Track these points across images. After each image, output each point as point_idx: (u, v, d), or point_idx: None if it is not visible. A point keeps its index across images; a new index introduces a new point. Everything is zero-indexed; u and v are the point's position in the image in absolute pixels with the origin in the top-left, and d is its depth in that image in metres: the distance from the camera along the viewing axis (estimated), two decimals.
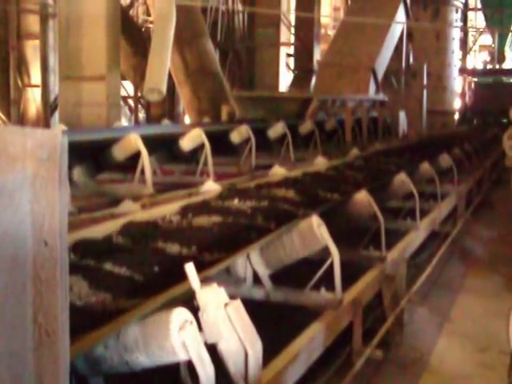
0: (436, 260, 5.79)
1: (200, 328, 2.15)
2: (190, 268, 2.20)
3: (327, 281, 3.48)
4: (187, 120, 16.07)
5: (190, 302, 2.24)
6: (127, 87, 18.71)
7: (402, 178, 5.34)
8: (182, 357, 2.04)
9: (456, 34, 17.82)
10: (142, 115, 18.50)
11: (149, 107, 17.38)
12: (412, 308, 4.81)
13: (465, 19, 19.05)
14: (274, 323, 3.35)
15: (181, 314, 2.05)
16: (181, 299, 2.30)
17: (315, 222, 3.28)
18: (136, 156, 5.65)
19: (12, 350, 1.35)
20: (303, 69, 18.66)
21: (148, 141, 5.78)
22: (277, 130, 8.39)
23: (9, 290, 1.32)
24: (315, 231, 3.28)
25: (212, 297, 2.23)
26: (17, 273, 1.33)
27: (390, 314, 4.22)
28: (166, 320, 2.02)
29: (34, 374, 1.38)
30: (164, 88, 8.06)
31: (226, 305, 2.25)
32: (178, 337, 2.02)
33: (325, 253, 3.48)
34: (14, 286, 1.33)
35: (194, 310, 2.22)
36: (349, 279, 3.73)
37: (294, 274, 3.66)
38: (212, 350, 2.20)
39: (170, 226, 3.46)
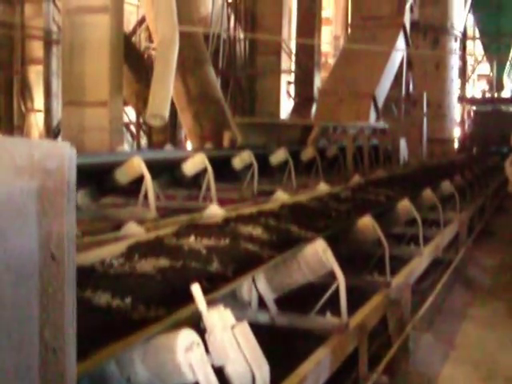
0: (440, 287, 5.76)
1: (207, 350, 2.11)
2: (196, 289, 2.16)
3: (332, 305, 3.45)
4: (189, 146, 16.10)
5: (194, 324, 2.21)
6: (129, 113, 18.78)
7: (405, 204, 5.31)
8: (188, 379, 1.99)
9: (455, 62, 17.95)
10: (143, 141, 18.54)
11: (150, 133, 17.43)
12: (417, 334, 4.76)
13: (463, 48, 19.20)
14: (279, 347, 3.30)
15: (188, 335, 2.01)
16: (186, 321, 2.26)
17: (320, 246, 3.25)
18: (139, 180, 5.64)
19: (18, 366, 1.31)
20: (304, 96, 18.76)
21: (151, 165, 5.77)
22: (279, 156, 8.39)
23: (15, 305, 1.29)
24: (321, 255, 3.25)
25: (219, 319, 2.19)
26: (23, 287, 1.30)
27: (396, 339, 4.17)
28: (173, 341, 1.98)
29: None
30: (167, 114, 8.07)
31: (232, 327, 2.22)
32: (184, 358, 1.98)
33: (329, 277, 3.45)
34: (20, 301, 1.30)
35: (200, 332, 2.18)
36: (353, 304, 3.69)
37: (297, 298, 3.62)
38: (219, 372, 2.16)
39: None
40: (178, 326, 2.15)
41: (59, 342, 1.34)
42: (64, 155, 1.27)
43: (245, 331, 2.25)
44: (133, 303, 2.47)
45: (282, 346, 3.41)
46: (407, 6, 15.16)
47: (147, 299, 2.50)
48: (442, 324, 5.40)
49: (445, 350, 4.92)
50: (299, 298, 3.62)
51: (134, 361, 2.05)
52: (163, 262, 3.04)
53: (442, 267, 6.41)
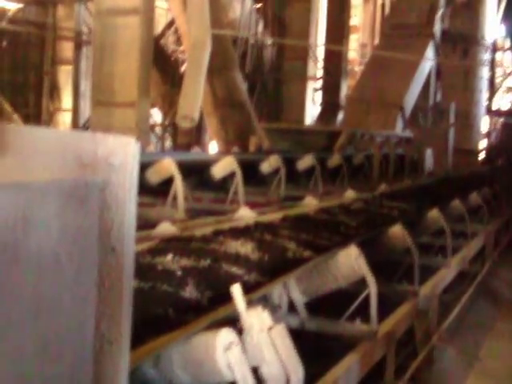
0: (465, 299, 5.74)
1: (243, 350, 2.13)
2: (236, 290, 2.19)
3: (359, 312, 3.45)
4: (212, 149, 16.15)
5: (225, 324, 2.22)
6: (155, 115, 18.90)
7: (435, 215, 5.30)
8: (226, 378, 2.02)
9: (484, 73, 17.83)
10: (167, 143, 18.65)
11: (176, 135, 17.52)
12: (441, 345, 4.74)
13: (492, 59, 19.04)
14: (307, 352, 3.31)
15: (227, 335, 2.04)
16: (222, 321, 2.28)
17: (354, 252, 3.26)
18: (168, 181, 5.68)
19: (74, 356, 1.34)
20: (330, 103, 18.74)
21: (180, 166, 5.80)
22: (306, 162, 8.40)
23: (74, 296, 1.32)
24: (353, 262, 3.26)
25: (256, 320, 2.21)
26: (83, 278, 1.33)
27: (422, 349, 4.16)
28: (213, 340, 2.01)
29: (94, 380, 1.37)
30: (197, 115, 8.13)
31: (269, 328, 2.24)
32: (223, 357, 2.00)
33: (357, 283, 3.46)
34: (80, 292, 1.33)
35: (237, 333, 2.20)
36: (379, 312, 3.68)
37: (324, 304, 3.63)
38: (253, 373, 2.17)
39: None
40: (215, 325, 2.18)
41: (115, 334, 1.37)
42: (128, 151, 1.30)
43: (281, 333, 2.27)
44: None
45: (310, 351, 3.42)
46: (438, 16, 15.11)
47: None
48: (466, 336, 5.37)
49: (468, 361, 4.90)
50: (326, 303, 3.64)
51: (173, 359, 2.08)
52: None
53: (466, 279, 6.38)
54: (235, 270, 2.89)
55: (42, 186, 1.22)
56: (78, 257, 1.31)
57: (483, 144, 21.00)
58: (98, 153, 1.31)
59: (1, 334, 1.16)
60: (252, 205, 6.46)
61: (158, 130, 19.08)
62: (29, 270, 1.20)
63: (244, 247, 3.28)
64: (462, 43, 16.83)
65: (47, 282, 1.25)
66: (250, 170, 7.36)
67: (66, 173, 1.30)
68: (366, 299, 3.38)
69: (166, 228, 3.53)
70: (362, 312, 3.45)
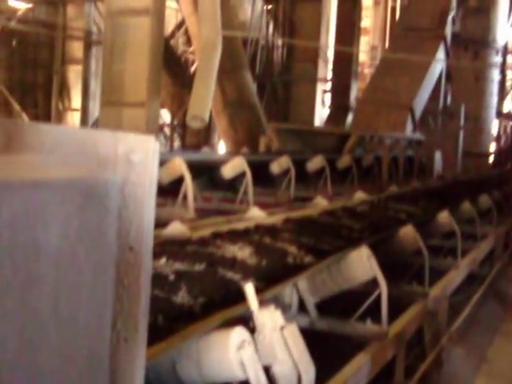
0: (474, 301, 5.73)
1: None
2: (249, 289, 2.20)
3: (368, 313, 3.46)
4: (221, 149, 16.20)
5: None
6: (163, 115, 18.95)
7: (445, 216, 5.30)
8: (239, 376, 2.03)
9: (495, 76, 17.77)
10: (176, 143, 18.70)
11: (184, 135, 17.56)
12: (450, 347, 4.74)
13: (503, 62, 18.98)
14: (317, 351, 3.32)
15: (240, 333, 2.05)
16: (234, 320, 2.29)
17: (365, 253, 3.27)
18: (177, 180, 5.69)
19: (90, 353, 1.35)
20: (339, 105, 18.73)
21: (189, 166, 5.82)
22: (316, 162, 8.41)
23: (92, 294, 1.33)
24: (365, 262, 3.26)
25: (269, 319, 2.23)
26: (100, 277, 1.34)
27: (431, 350, 4.16)
28: (226, 338, 2.02)
29: (109, 377, 1.38)
30: (207, 116, 8.15)
31: (282, 328, 2.25)
32: (236, 356, 2.01)
33: (366, 284, 3.46)
34: (97, 290, 1.34)
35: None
36: (389, 313, 3.69)
37: (332, 304, 3.63)
38: (265, 371, 2.18)
39: None
40: (226, 324, 2.19)
41: (131, 332, 1.38)
42: (148, 149, 1.30)
43: (294, 332, 2.28)
44: None
45: (320, 350, 3.43)
46: (449, 18, 15.08)
47: None
48: (474, 337, 5.37)
49: (477, 363, 4.89)
50: (334, 303, 3.64)
51: (185, 357, 2.09)
52: None
53: (475, 281, 6.37)
54: (231, 275, 2.74)
55: (61, 184, 1.23)
56: (96, 255, 1.32)
57: (493, 147, 20.94)
58: (118, 151, 1.31)
59: (20, 331, 1.18)
60: (261, 205, 6.46)
61: (166, 130, 19.13)
62: (48, 269, 1.21)
63: (242, 251, 3.14)
64: (472, 46, 16.79)
65: (66, 280, 1.26)
66: (259, 171, 7.38)
67: (85, 171, 1.31)
68: (376, 300, 3.38)
69: (176, 227, 3.54)
70: (371, 313, 3.46)
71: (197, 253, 3.01)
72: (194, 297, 2.40)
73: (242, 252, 3.13)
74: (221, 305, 2.34)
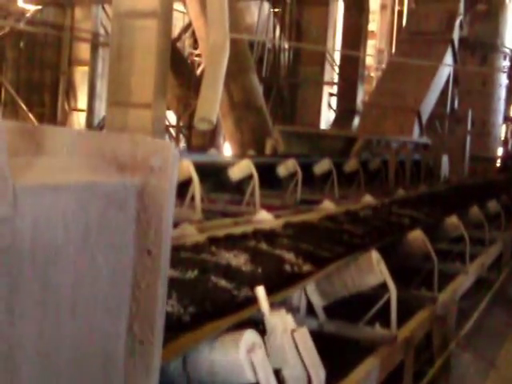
0: (483, 306, 5.72)
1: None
2: (260, 291, 2.20)
3: (376, 317, 3.45)
4: (226, 151, 16.20)
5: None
6: (169, 117, 18.98)
7: (453, 221, 5.29)
8: (249, 379, 2.03)
9: (503, 81, 17.74)
10: (181, 144, 18.73)
11: (190, 137, 17.59)
12: (457, 352, 4.73)
13: (511, 67, 18.93)
14: (326, 355, 3.32)
15: (251, 336, 2.05)
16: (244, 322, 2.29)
17: (374, 256, 3.27)
18: (184, 182, 5.69)
19: (106, 356, 1.36)
20: (346, 109, 18.73)
21: (197, 168, 5.82)
22: (322, 166, 8.41)
23: (109, 297, 1.34)
24: (374, 266, 3.26)
25: (280, 322, 2.23)
26: (118, 280, 1.34)
27: (439, 355, 4.15)
28: (237, 340, 2.02)
29: (124, 380, 1.39)
30: (215, 118, 8.15)
31: (292, 331, 2.25)
32: (247, 358, 2.01)
33: (375, 288, 3.46)
34: (114, 293, 1.35)
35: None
36: (398, 317, 3.68)
37: (340, 307, 3.63)
38: (275, 375, 2.18)
39: None
40: (236, 327, 2.19)
41: (147, 335, 1.38)
42: (168, 153, 1.31)
43: (304, 336, 2.29)
44: None
45: (328, 354, 3.42)
46: (457, 23, 15.06)
47: None
48: (482, 343, 5.35)
49: (485, 369, 4.88)
50: (340, 307, 3.64)
51: (196, 360, 2.10)
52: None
53: (483, 286, 6.35)
54: (224, 283, 2.54)
55: (81, 187, 1.24)
56: (114, 259, 1.33)
57: (500, 152, 20.89)
58: (138, 155, 1.32)
59: (39, 332, 1.18)
60: (268, 208, 6.47)
61: (172, 131, 19.15)
62: (67, 271, 1.22)
63: (237, 258, 2.95)
64: (480, 50, 16.77)
65: (84, 282, 1.27)
66: (266, 173, 7.38)
67: (104, 175, 1.31)
68: (383, 304, 3.38)
69: (186, 229, 3.55)
70: (379, 317, 3.46)
71: (190, 259, 2.88)
72: (184, 306, 2.26)
73: (237, 259, 2.94)
74: (212, 314, 2.21)
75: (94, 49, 18.77)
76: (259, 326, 2.25)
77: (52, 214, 1.17)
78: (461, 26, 15.40)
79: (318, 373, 2.28)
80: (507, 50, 17.46)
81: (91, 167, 1.32)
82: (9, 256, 1.05)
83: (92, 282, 1.29)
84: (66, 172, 1.31)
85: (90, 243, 1.25)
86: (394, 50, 20.38)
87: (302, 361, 2.25)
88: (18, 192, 1.05)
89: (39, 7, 17.86)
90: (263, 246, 3.34)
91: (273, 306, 2.49)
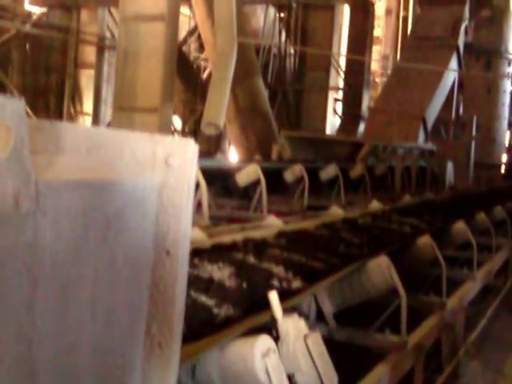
0: (490, 313, 5.69)
1: None
2: (273, 296, 2.18)
3: (384, 323, 3.42)
4: (232, 156, 16.19)
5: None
6: (175, 121, 18.98)
7: (461, 227, 5.26)
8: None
9: (507, 87, 17.72)
10: None
11: (195, 142, 17.57)
12: (465, 360, 4.70)
13: None
14: (336, 362, 3.29)
15: (265, 341, 2.03)
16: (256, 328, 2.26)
17: (384, 262, 3.24)
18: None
19: (123, 357, 1.34)
20: (351, 114, 18.72)
21: (204, 173, 5.80)
22: (329, 171, 8.38)
23: (127, 298, 1.31)
24: (384, 272, 3.24)
25: (293, 327, 2.20)
26: (136, 281, 1.32)
27: (448, 362, 4.12)
28: (252, 346, 1.99)
29: (142, 382, 1.37)
30: (222, 123, 8.15)
31: (305, 336, 2.22)
32: (261, 364, 1.99)
33: (384, 294, 3.43)
34: (132, 294, 1.33)
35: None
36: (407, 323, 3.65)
37: (345, 314, 3.60)
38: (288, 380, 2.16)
39: None
40: (249, 332, 2.16)
41: (165, 337, 1.36)
42: (187, 152, 1.29)
43: (317, 341, 2.26)
44: None
45: (338, 361, 3.39)
46: (462, 28, 15.06)
47: None
48: (489, 351, 5.32)
49: (493, 377, 4.85)
50: (348, 314, 3.61)
51: (209, 365, 2.07)
52: None
53: (489, 293, 6.32)
54: (204, 300, 2.26)
55: (101, 185, 1.22)
56: (133, 259, 1.31)
57: (505, 158, 20.85)
58: (157, 154, 1.30)
59: (59, 334, 1.16)
60: (275, 213, 6.44)
61: (177, 136, 19.15)
62: (87, 270, 1.20)
63: (221, 271, 2.62)
64: (485, 56, 16.76)
65: (103, 283, 1.25)
66: (272, 179, 7.35)
67: (123, 174, 1.29)
68: (393, 310, 3.35)
69: (196, 234, 3.52)
70: (388, 323, 3.43)
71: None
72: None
73: (221, 272, 2.61)
74: (191, 334, 1.94)
75: (100, 52, 18.81)
76: (271, 331, 2.23)
77: (73, 212, 1.15)
78: (466, 32, 15.39)
79: (331, 379, 2.25)
80: (511, 57, 17.44)
81: (110, 166, 1.30)
82: (30, 252, 1.03)
83: (111, 281, 1.27)
84: (85, 170, 1.29)
85: (109, 242, 1.23)
86: (399, 56, 20.37)
87: (315, 366, 2.22)
88: (40, 188, 1.03)
89: (45, 10, 17.90)
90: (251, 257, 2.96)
91: (284, 311, 2.47)
